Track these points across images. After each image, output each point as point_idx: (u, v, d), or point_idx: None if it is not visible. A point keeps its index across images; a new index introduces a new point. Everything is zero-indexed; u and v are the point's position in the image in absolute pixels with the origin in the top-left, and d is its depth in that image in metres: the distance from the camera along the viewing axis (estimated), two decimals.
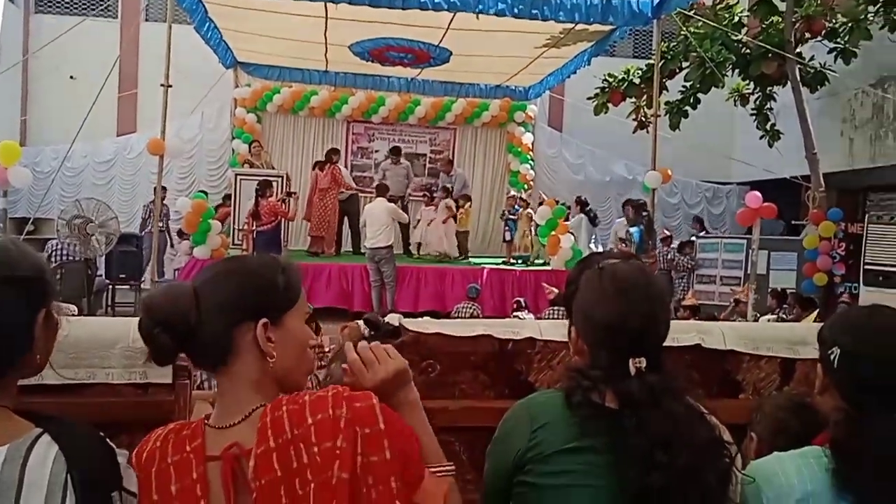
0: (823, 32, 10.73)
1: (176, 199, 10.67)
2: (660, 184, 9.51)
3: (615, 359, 1.31)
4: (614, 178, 14.39)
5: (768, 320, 8.20)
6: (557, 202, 10.85)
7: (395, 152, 11.91)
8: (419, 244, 11.11)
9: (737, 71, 11.54)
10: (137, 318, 1.22)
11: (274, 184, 10.27)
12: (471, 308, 8.74)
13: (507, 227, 11.56)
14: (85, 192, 11.67)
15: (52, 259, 8.61)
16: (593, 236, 11.64)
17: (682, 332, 2.16)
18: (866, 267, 8.96)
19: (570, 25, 9.11)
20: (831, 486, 1.34)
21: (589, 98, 12.54)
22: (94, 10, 12.07)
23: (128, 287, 10.33)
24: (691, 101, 11.72)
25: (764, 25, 11.04)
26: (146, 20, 13.41)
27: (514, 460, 1.32)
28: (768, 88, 11.64)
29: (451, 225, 10.83)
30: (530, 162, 13.82)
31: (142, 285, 10.13)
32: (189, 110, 12.16)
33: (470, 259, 11.15)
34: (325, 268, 9.91)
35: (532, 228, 10.97)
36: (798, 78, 10.68)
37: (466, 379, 2.10)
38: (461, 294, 9.37)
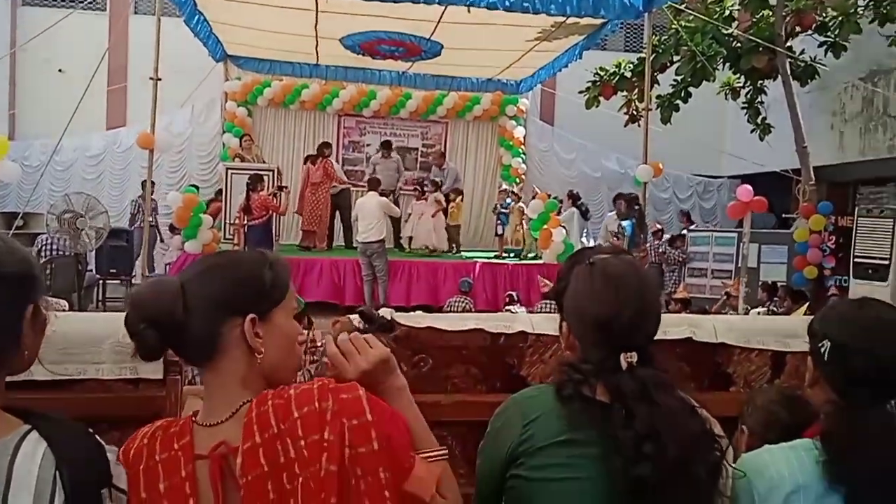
0: (814, 26, 10.76)
1: (167, 194, 10.62)
2: (651, 177, 9.53)
3: (606, 353, 1.31)
4: (606, 172, 14.42)
5: (759, 313, 8.24)
6: (549, 196, 10.85)
7: (385, 146, 11.89)
8: (410, 238, 11.10)
9: (727, 65, 11.57)
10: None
11: (265, 178, 10.22)
12: (463, 302, 8.75)
13: (499, 221, 11.56)
14: (74, 187, 11.60)
15: (42, 254, 8.56)
16: (585, 230, 11.65)
17: (673, 326, 2.16)
18: (856, 260, 9.01)
19: (561, 19, 9.09)
20: (822, 479, 1.34)
21: (580, 92, 12.53)
22: (82, 2, 11.95)
23: (118, 282, 10.30)
24: (682, 94, 11.74)
25: (755, 19, 11.06)
26: (135, 13, 13.29)
27: (506, 454, 1.33)
28: (759, 82, 11.67)
29: (440, 219, 10.82)
30: (522, 156, 13.82)
31: (132, 280, 10.08)
32: (179, 104, 12.10)
33: (462, 253, 11.15)
34: (317, 262, 9.88)
35: (524, 222, 10.97)
36: (788, 72, 10.72)
37: (458, 373, 2.10)
38: (453, 288, 9.37)
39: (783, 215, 13.02)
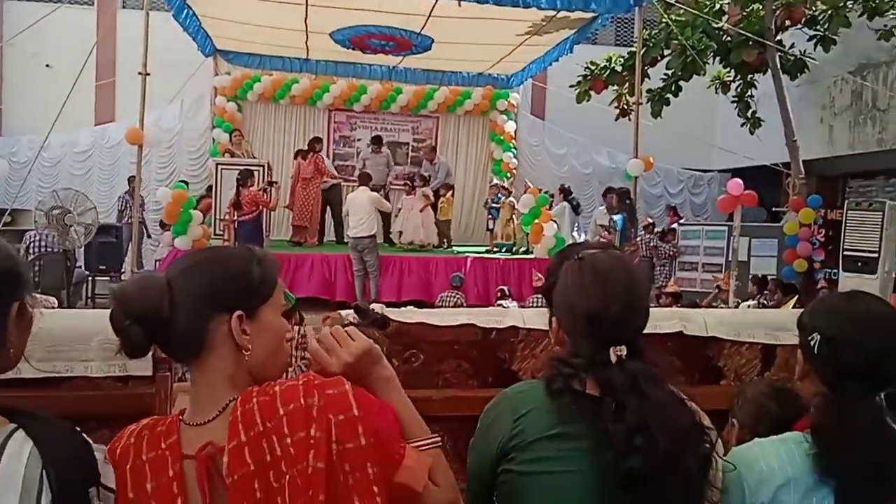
0: (803, 20, 10.80)
1: (156, 190, 10.56)
2: (642, 171, 9.55)
3: (596, 347, 1.31)
4: (596, 167, 14.43)
5: (749, 306, 8.28)
6: (541, 190, 10.86)
7: (375, 141, 11.87)
8: (400, 233, 11.08)
9: (718, 59, 11.58)
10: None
11: (255, 173, 10.19)
12: (455, 297, 8.75)
13: (490, 216, 11.55)
14: (63, 183, 11.53)
15: (31, 251, 8.51)
16: (576, 224, 11.67)
17: (664, 320, 2.17)
18: (845, 253, 9.04)
19: (551, 13, 9.08)
20: (812, 472, 1.35)
21: (571, 86, 12.53)
22: None
23: (108, 278, 10.24)
24: (673, 88, 11.75)
25: (744, 13, 11.09)
26: (123, 7, 13.21)
27: (497, 449, 1.33)
28: (749, 76, 11.71)
29: (428, 214, 10.79)
30: (513, 150, 13.81)
31: (122, 276, 10.03)
32: (168, 99, 12.02)
33: (453, 248, 11.14)
34: (308, 257, 9.86)
35: (514, 217, 10.97)
36: (778, 65, 10.75)
37: (450, 368, 2.10)
38: (445, 283, 9.37)
39: (773, 209, 13.08)
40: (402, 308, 2.28)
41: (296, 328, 4.09)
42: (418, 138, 13.66)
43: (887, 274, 8.53)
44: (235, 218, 9.63)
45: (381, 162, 11.59)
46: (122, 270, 10.22)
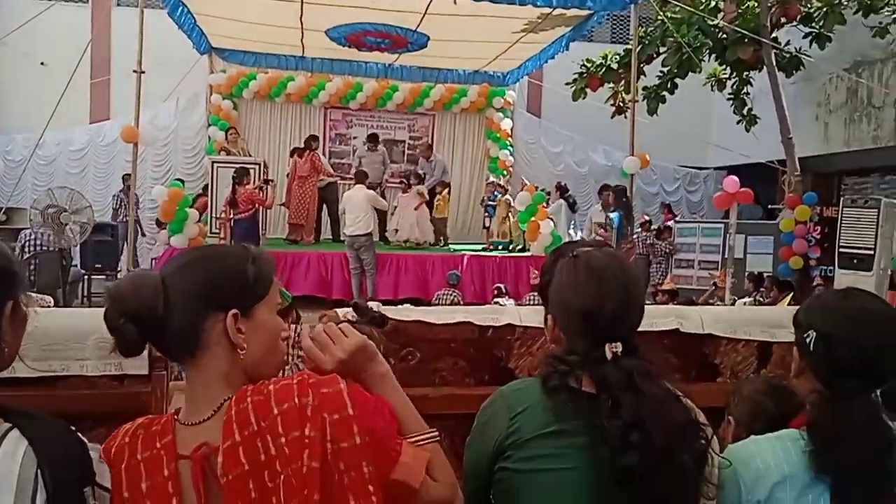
0: (798, 17, 10.81)
1: (151, 188, 10.53)
2: (638, 169, 9.55)
3: (591, 344, 1.32)
4: (593, 165, 14.43)
5: (745, 304, 8.29)
6: (537, 188, 10.86)
7: (371, 139, 11.86)
8: (396, 231, 11.07)
9: (713, 56, 11.59)
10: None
11: (251, 171, 10.17)
12: (451, 295, 8.75)
13: (486, 214, 11.55)
14: (58, 181, 11.50)
15: (26, 249, 8.48)
16: (573, 222, 11.68)
17: (660, 317, 2.17)
18: (841, 250, 9.05)
19: (547, 10, 9.07)
20: (808, 469, 1.35)
21: (567, 83, 12.53)
22: None
23: (103, 277, 10.21)
24: (669, 86, 11.76)
25: (740, 10, 11.10)
26: (117, 5, 13.17)
27: (493, 447, 1.33)
28: (745, 73, 11.71)
29: (423, 211, 10.78)
30: (509, 148, 13.81)
31: (118, 275, 10.01)
32: (163, 97, 11.98)
33: (450, 246, 11.14)
34: (304, 255, 9.85)
35: (511, 215, 10.97)
36: (774, 63, 10.76)
37: (446, 366, 2.10)
38: (442, 281, 9.37)
39: (769, 206, 13.09)
40: (399, 306, 2.28)
41: (292, 327, 4.09)
42: (414, 136, 13.65)
43: (883, 271, 8.54)
44: (231, 216, 9.62)
45: (377, 160, 11.57)
46: (118, 269, 10.20)
